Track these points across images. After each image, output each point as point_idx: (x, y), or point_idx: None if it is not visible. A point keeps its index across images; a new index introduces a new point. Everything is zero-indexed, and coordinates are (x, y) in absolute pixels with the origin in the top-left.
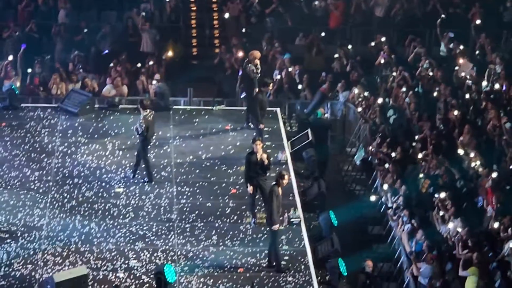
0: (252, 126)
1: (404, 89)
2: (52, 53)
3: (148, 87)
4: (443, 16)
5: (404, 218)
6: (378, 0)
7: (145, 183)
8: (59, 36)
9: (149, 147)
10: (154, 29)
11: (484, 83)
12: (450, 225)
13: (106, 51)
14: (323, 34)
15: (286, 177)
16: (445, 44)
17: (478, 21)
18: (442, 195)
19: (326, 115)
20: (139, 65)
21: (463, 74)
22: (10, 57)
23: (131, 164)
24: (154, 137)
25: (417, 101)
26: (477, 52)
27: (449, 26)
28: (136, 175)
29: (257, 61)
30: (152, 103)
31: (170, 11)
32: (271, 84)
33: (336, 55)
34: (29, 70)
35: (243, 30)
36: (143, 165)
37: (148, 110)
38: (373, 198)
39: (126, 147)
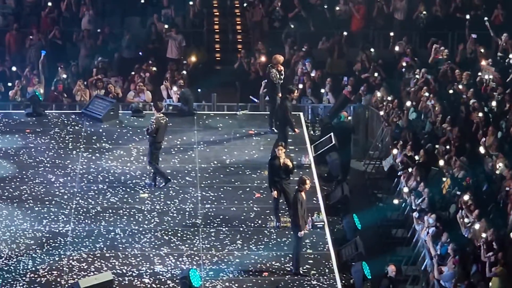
0: (276, 130)
1: (427, 92)
2: (76, 60)
3: (171, 93)
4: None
5: (429, 221)
6: (397, 5)
7: (151, 186)
8: (82, 42)
9: (158, 151)
10: (180, 35)
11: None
12: (475, 227)
13: (141, 53)
14: (345, 33)
15: (307, 182)
16: (469, 46)
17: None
18: (466, 197)
19: (349, 118)
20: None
21: (486, 76)
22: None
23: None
24: (163, 144)
25: (440, 103)
26: (499, 54)
27: (472, 28)
28: (156, 182)
29: (281, 66)
30: (175, 108)
31: (193, 16)
32: (296, 91)
33: (358, 58)
34: (64, 76)
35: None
36: (150, 168)
37: (162, 114)
38: (396, 201)
39: None
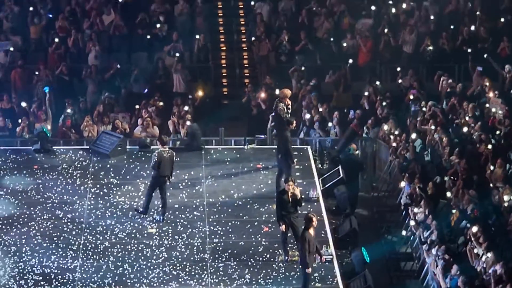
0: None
1: (433, 125)
2: (83, 95)
3: (179, 128)
4: (486, 55)
5: (438, 253)
6: (406, 38)
7: (140, 214)
8: (90, 78)
9: (163, 186)
10: (186, 70)
11: None
12: (484, 259)
13: (146, 90)
14: (350, 61)
15: (314, 219)
16: (475, 78)
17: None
18: (475, 229)
19: (357, 151)
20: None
21: (493, 109)
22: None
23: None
24: (169, 178)
25: (447, 136)
26: (506, 85)
27: (478, 61)
28: (164, 216)
29: (288, 100)
30: (183, 143)
31: (198, 51)
32: (295, 122)
33: (366, 92)
34: (69, 111)
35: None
36: (159, 203)
37: (168, 148)
38: (404, 233)
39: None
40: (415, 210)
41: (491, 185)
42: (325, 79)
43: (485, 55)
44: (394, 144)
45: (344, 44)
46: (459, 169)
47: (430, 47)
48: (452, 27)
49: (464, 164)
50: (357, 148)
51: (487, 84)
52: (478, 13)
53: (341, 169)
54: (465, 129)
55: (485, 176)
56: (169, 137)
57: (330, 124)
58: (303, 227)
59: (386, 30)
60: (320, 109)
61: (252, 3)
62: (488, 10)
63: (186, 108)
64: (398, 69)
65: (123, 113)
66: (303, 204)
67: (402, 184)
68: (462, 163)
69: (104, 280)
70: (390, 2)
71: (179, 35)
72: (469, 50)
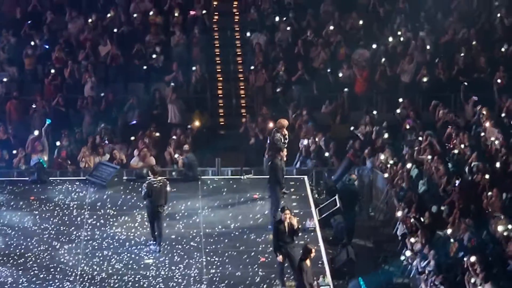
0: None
1: (430, 154)
2: (80, 126)
3: (176, 158)
4: (465, 83)
5: (436, 283)
6: (404, 67)
7: (156, 252)
8: (86, 109)
9: (157, 215)
10: (180, 100)
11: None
12: None
13: (134, 122)
14: (346, 89)
15: (313, 251)
16: (470, 108)
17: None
18: (472, 259)
19: (356, 182)
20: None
21: (491, 139)
22: (36, 132)
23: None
24: (163, 207)
25: (444, 165)
26: (502, 115)
27: (474, 90)
28: (160, 246)
29: (285, 131)
30: (180, 173)
31: (196, 82)
32: (285, 150)
33: (362, 122)
34: (57, 143)
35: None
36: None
37: (159, 178)
38: (402, 263)
39: None
40: (412, 240)
41: (488, 214)
42: (322, 109)
43: (464, 83)
44: (388, 174)
45: (340, 74)
46: (455, 199)
47: (425, 79)
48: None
49: (461, 193)
50: (357, 178)
51: (484, 113)
52: (474, 42)
53: (338, 199)
54: (461, 158)
55: (482, 206)
56: (167, 167)
57: (326, 154)
58: (300, 257)
59: (383, 60)
60: (317, 139)
61: (248, 34)
62: (483, 40)
63: (186, 147)
64: (400, 99)
65: (119, 144)
66: (300, 234)
67: (398, 214)
68: (458, 192)
69: None
70: (385, 33)
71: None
72: (465, 82)
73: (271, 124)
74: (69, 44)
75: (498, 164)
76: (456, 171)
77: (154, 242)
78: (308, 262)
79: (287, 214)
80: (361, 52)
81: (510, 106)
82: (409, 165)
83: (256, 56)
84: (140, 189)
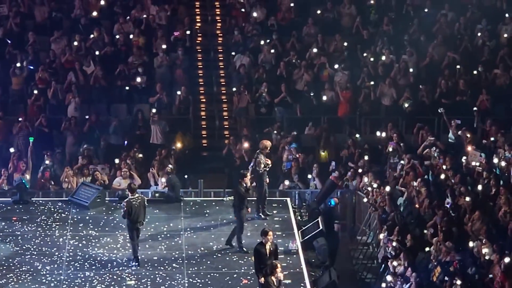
0: (262, 216)
1: (413, 177)
2: (63, 147)
3: (158, 179)
4: (441, 110)
5: None
6: (384, 90)
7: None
8: (69, 130)
9: (137, 232)
10: (163, 121)
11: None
12: None
13: (126, 142)
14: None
15: (278, 266)
16: (453, 131)
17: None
18: (459, 282)
19: (338, 204)
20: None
21: (472, 163)
22: (12, 149)
23: (143, 256)
24: (142, 223)
25: (427, 188)
26: (484, 139)
27: (456, 113)
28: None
29: (268, 161)
30: (162, 194)
31: (180, 103)
32: (248, 176)
33: (345, 144)
34: (45, 163)
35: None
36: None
37: (137, 195)
38: (384, 285)
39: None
40: (394, 263)
41: (470, 238)
42: (305, 131)
43: (439, 110)
44: (371, 196)
45: (324, 98)
46: (438, 222)
47: (406, 104)
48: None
49: (444, 216)
50: (338, 201)
51: (468, 136)
52: (458, 66)
53: (321, 221)
54: (444, 180)
55: (465, 229)
56: (149, 188)
57: (309, 176)
58: (267, 273)
59: (371, 83)
60: (300, 161)
61: (233, 53)
62: (467, 63)
63: (170, 166)
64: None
65: (102, 165)
66: (281, 256)
67: (381, 236)
68: (441, 215)
69: None
70: (366, 54)
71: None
72: (441, 109)
73: (246, 144)
74: (53, 65)
75: (480, 187)
76: (438, 194)
77: (136, 263)
78: (274, 278)
79: (270, 236)
80: (341, 74)
81: (492, 129)
82: (388, 188)
83: (239, 77)
84: (120, 208)
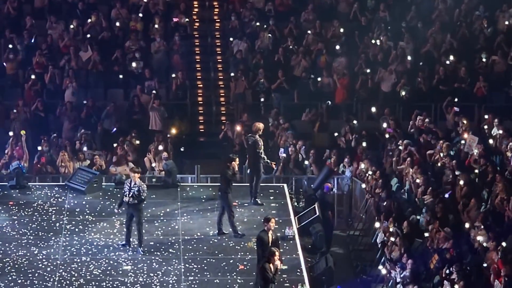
0: (259, 202)
1: (410, 164)
2: (59, 132)
3: (154, 165)
4: (449, 98)
5: None
6: (384, 76)
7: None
8: (65, 114)
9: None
10: (162, 107)
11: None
12: None
13: (114, 130)
14: (329, 102)
15: (277, 253)
16: (451, 118)
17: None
18: (452, 269)
19: (333, 190)
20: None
21: (469, 148)
22: (11, 133)
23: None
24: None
25: (423, 174)
26: (483, 126)
27: (454, 100)
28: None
29: (260, 143)
30: (159, 180)
31: (176, 89)
32: (237, 160)
33: (342, 130)
34: (39, 148)
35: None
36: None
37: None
38: (380, 272)
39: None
40: (390, 249)
41: (466, 224)
42: (302, 117)
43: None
44: (367, 183)
45: (319, 79)
46: (434, 208)
47: (403, 92)
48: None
49: (440, 203)
50: (333, 187)
51: (465, 122)
52: (454, 53)
53: (317, 207)
54: (440, 167)
55: (461, 216)
56: (146, 174)
57: (306, 162)
58: (264, 260)
59: (368, 71)
60: (297, 147)
61: (231, 39)
62: (464, 50)
63: (160, 147)
64: (373, 109)
65: (99, 151)
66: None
67: (377, 225)
68: (437, 202)
69: None
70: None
71: (154, 72)
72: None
73: (238, 128)
74: (50, 49)
75: (476, 174)
76: (435, 181)
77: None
78: (272, 266)
79: (272, 223)
80: (340, 60)
81: (489, 116)
82: (383, 175)
83: (236, 63)
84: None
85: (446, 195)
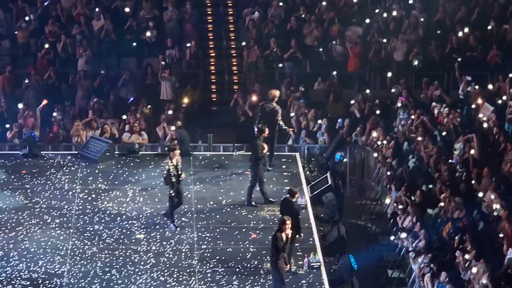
0: (270, 169)
1: (421, 133)
2: (72, 100)
3: (168, 134)
4: (459, 59)
5: (425, 261)
6: (397, 45)
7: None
8: (79, 83)
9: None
10: (173, 76)
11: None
12: (474, 270)
13: (132, 99)
14: (334, 72)
15: (287, 222)
16: (463, 87)
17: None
18: (465, 238)
19: (345, 159)
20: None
21: (481, 115)
22: (20, 105)
23: (152, 210)
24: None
25: (435, 144)
26: (495, 94)
27: (467, 69)
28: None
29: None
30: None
31: (190, 58)
32: (267, 130)
33: (354, 100)
34: (54, 114)
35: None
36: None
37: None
38: (393, 241)
39: (147, 194)
40: (403, 218)
41: (480, 193)
42: (314, 86)
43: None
44: (380, 152)
45: (330, 45)
46: (447, 177)
47: (416, 62)
48: (439, 32)
49: (452, 172)
50: (344, 156)
51: (476, 88)
52: (466, 29)
53: (330, 176)
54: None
55: (473, 185)
56: (159, 142)
57: (319, 131)
58: (276, 229)
59: (383, 40)
60: (308, 116)
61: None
62: (477, 19)
63: (170, 112)
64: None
65: (111, 119)
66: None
67: (387, 201)
68: (449, 170)
69: (91, 285)
70: (378, 10)
71: (175, 42)
72: (459, 60)
73: (254, 98)
74: (60, 18)
75: (489, 143)
76: (446, 149)
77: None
78: (283, 234)
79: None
80: (354, 29)
81: (503, 85)
82: (393, 143)
83: (249, 32)
84: (136, 165)
85: (453, 160)
